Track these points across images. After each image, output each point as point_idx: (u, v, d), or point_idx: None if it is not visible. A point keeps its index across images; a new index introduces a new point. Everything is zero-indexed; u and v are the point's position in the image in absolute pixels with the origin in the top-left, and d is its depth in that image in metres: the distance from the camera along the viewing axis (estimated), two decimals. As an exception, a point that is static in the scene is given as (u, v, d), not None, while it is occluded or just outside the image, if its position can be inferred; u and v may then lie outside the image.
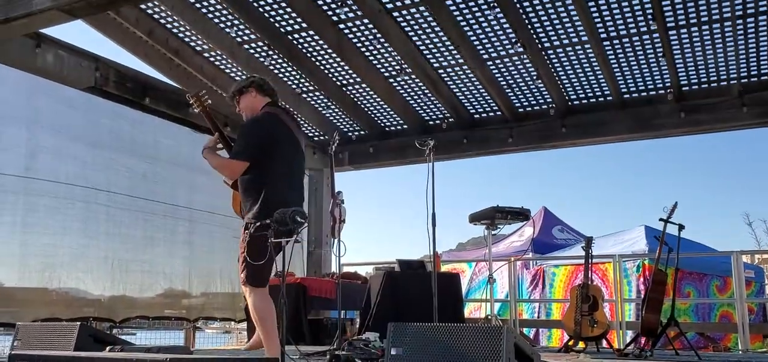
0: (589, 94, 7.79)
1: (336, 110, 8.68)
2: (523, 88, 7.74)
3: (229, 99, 4.37)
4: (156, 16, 6.88)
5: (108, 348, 3.18)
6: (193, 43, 7.34)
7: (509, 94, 7.92)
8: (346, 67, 7.64)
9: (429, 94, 8.03)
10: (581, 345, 6.24)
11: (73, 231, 6.48)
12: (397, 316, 5.11)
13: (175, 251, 7.61)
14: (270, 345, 3.89)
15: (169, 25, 7.03)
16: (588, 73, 7.32)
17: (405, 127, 8.81)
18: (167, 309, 7.50)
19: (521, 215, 6.05)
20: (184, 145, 7.72)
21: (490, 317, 5.99)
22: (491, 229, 5.92)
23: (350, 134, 9.17)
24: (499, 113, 8.29)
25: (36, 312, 5.98)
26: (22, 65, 5.81)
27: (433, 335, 3.14)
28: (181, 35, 7.18)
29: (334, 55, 7.39)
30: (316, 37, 7.10)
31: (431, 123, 8.68)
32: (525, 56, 7.02)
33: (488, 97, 8.02)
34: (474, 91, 7.94)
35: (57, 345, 3.51)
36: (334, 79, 7.94)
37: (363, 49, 7.26)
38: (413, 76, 7.66)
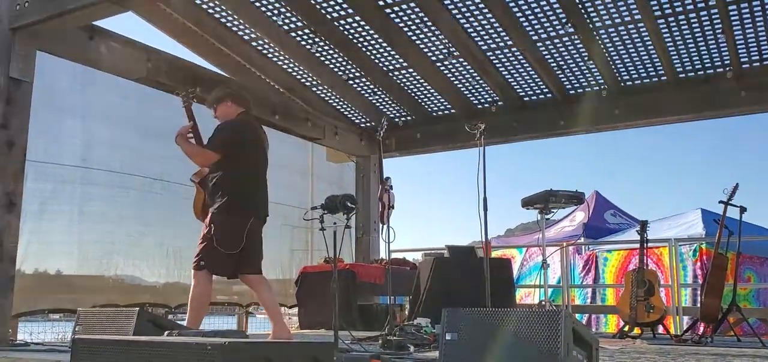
0: (643, 74, 7.55)
1: (383, 96, 8.65)
2: (573, 69, 7.56)
3: (208, 107, 4.73)
4: (204, 6, 6.95)
5: (166, 333, 3.22)
6: (241, 33, 7.40)
7: (560, 76, 7.75)
8: (393, 53, 7.59)
9: (477, 78, 7.92)
10: (637, 330, 6.10)
11: (128, 219, 6.63)
12: (447, 302, 5.03)
13: (225, 238, 7.70)
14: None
15: (217, 15, 7.09)
16: (641, 52, 7.09)
17: (453, 111, 8.72)
18: (219, 295, 7.62)
19: (575, 198, 5.92)
20: (234, 133, 7.79)
21: (543, 302, 5.89)
22: (544, 213, 5.80)
23: (397, 120, 9.12)
24: (549, 95, 8.13)
25: (94, 299, 6.14)
26: (76, 57, 5.93)
27: (488, 320, 3.08)
28: (229, 24, 7.25)
29: (381, 40, 7.35)
30: (362, 23, 7.07)
31: (480, 107, 8.57)
32: (576, 37, 6.85)
33: (538, 79, 7.86)
34: (523, 74, 7.80)
35: (117, 330, 3.60)
36: (381, 64, 7.90)
37: (410, 34, 7.20)
38: (461, 60, 7.56)
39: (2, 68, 5.24)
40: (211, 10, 7.02)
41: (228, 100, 4.62)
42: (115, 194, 6.51)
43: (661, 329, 6.15)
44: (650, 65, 7.32)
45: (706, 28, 6.54)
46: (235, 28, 7.32)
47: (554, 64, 7.49)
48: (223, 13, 7.07)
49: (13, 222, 5.21)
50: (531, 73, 7.72)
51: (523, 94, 8.25)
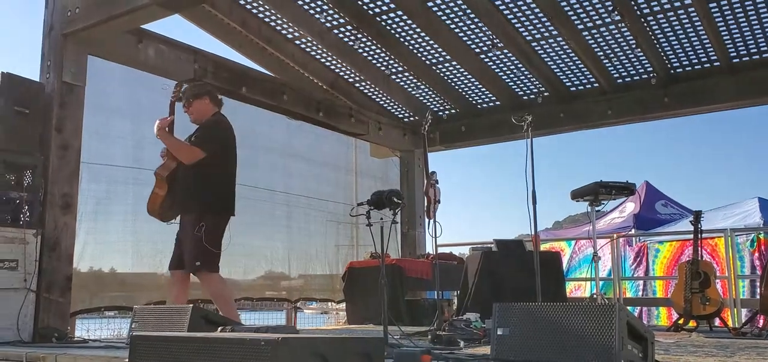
0: (694, 60, 7.34)
1: (426, 90, 8.62)
2: (621, 57, 7.40)
3: (183, 97, 4.69)
4: (248, 6, 7.02)
5: (219, 329, 3.28)
6: (284, 31, 7.46)
7: (607, 65, 7.59)
8: (436, 45, 7.54)
9: (522, 69, 7.82)
10: (692, 323, 5.93)
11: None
12: (495, 297, 5.01)
13: (273, 235, 7.82)
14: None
15: (260, 14, 7.16)
16: (692, 38, 6.89)
17: (498, 103, 8.63)
18: (268, 291, 7.72)
19: (626, 189, 5.78)
20: (279, 132, 7.90)
21: (595, 296, 5.79)
22: (594, 205, 5.69)
23: (441, 113, 9.08)
24: (596, 85, 7.97)
25: (148, 296, 6.29)
26: (126, 61, 6.07)
27: (540, 314, 3.04)
28: (272, 23, 7.31)
29: (423, 33, 7.32)
30: (404, 17, 7.05)
31: (525, 98, 8.46)
32: (623, 24, 6.69)
33: (585, 69, 7.72)
34: (570, 63, 7.66)
35: (171, 326, 3.67)
36: (424, 58, 7.86)
37: (453, 27, 7.15)
38: (505, 51, 7.47)
39: (55, 73, 5.40)
40: (255, 10, 7.09)
41: (206, 97, 4.63)
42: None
43: (718, 322, 5.97)
44: (701, 50, 7.11)
45: (761, 11, 6.31)
46: (278, 27, 7.38)
47: (601, 53, 7.34)
48: (267, 13, 7.14)
49: (69, 222, 5.37)
50: (577, 62, 7.59)
51: (570, 84, 8.11)
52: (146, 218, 6.42)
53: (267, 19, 7.25)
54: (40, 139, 5.31)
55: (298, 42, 7.65)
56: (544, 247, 9.15)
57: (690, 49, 7.10)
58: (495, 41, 7.25)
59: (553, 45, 7.30)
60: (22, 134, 5.21)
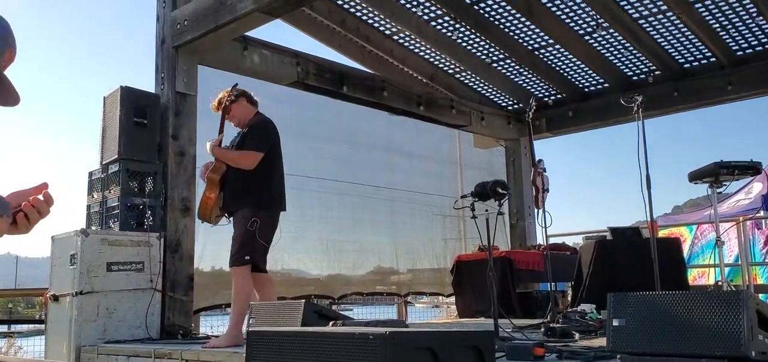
0: (826, 23, 6.73)
1: (529, 76, 8.41)
2: (740, 27, 6.89)
3: (215, 108, 4.66)
4: (346, 6, 7.13)
5: (331, 323, 3.35)
6: (382, 28, 7.52)
7: (724, 37, 7.10)
8: (537, 30, 7.34)
9: (630, 48, 7.46)
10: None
11: (290, 216, 6.95)
12: (611, 287, 4.80)
13: (380, 230, 7.90)
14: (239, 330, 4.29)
15: (358, 13, 7.25)
16: (824, -1, 6.32)
17: (606, 85, 8.29)
18: (378, 286, 7.82)
19: (750, 169, 5.37)
20: (381, 128, 7.97)
21: (720, 283, 5.43)
22: (715, 187, 5.33)
23: (546, 99, 8.83)
24: (713, 59, 7.48)
25: (265, 293, 6.53)
26: (233, 68, 6.30)
27: (658, 303, 2.88)
28: (370, 21, 7.39)
29: (523, 19, 7.15)
30: (503, 3, 6.91)
31: (635, 78, 8.07)
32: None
33: (698, 43, 7.26)
34: (681, 38, 7.23)
35: (286, 322, 3.78)
36: (525, 43, 7.68)
37: (554, 9, 6.93)
38: (611, 30, 7.16)
39: (169, 84, 5.71)
40: (353, 10, 7.19)
41: (242, 98, 4.64)
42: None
43: None
44: (835, 12, 6.51)
45: None
46: (376, 24, 7.45)
47: (717, 25, 6.87)
48: (365, 11, 7.22)
49: (189, 225, 5.67)
50: (690, 37, 7.15)
51: (683, 60, 7.66)
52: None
53: (365, 18, 7.33)
54: (159, 147, 5.64)
55: (396, 38, 7.69)
56: (662, 233, 8.71)
57: (821, 11, 6.52)
58: (599, 21, 6.96)
59: (662, 20, 6.91)
60: (141, 143, 5.55)
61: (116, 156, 5.50)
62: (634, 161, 4.40)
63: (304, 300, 3.91)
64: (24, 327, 9.45)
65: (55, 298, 5.18)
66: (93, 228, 5.55)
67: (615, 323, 2.93)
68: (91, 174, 5.90)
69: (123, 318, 5.08)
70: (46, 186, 1.53)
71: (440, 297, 9.35)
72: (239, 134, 4.68)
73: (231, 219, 4.58)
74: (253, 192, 4.42)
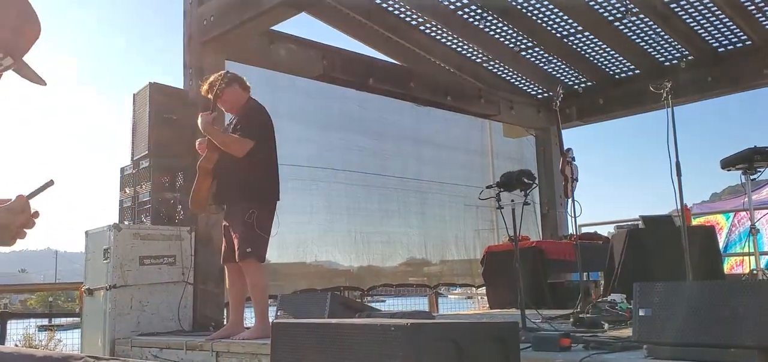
0: None
1: (558, 63, 8.30)
2: (777, 8, 6.70)
3: (205, 93, 4.50)
4: (372, -3, 7.11)
5: (356, 315, 3.37)
6: (408, 18, 7.47)
7: (760, 19, 6.90)
8: (565, 17, 7.23)
9: (661, 32, 7.30)
10: None
11: (319, 209, 7.02)
12: (644, 276, 4.74)
13: (409, 222, 7.90)
14: (266, 322, 4.17)
15: (384, 4, 7.22)
16: None
17: (637, 72, 8.14)
18: (410, 277, 7.84)
19: (787, 154, 5.23)
20: (408, 119, 7.96)
21: (755, 271, 5.30)
22: (749, 174, 5.20)
23: (576, 87, 8.71)
24: (748, 42, 7.28)
25: (296, 284, 6.62)
26: (260, 62, 6.34)
27: (687, 292, 2.83)
28: (396, 12, 7.35)
29: (550, 6, 7.04)
30: (530, -9, 6.82)
31: (667, 64, 7.90)
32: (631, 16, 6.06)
33: (733, 26, 7.06)
34: (715, 21, 7.04)
35: (312, 313, 3.82)
36: (553, 30, 7.56)
37: (582, -5, 6.82)
38: (640, 15, 7.00)
39: (197, 79, 5.76)
40: (378, 1, 7.17)
41: (235, 84, 4.48)
42: (305, 186, 6.92)
43: None
44: None
45: None
46: (402, 15, 7.41)
47: (752, 6, 6.68)
48: (391, 2, 7.18)
49: (219, 218, 5.72)
50: (723, 19, 6.96)
51: (717, 44, 7.47)
52: (289, 211, 6.74)
53: (391, 9, 7.30)
54: (188, 142, 5.71)
55: (422, 28, 7.64)
56: (697, 221, 8.55)
57: None
58: (629, 6, 6.82)
59: (694, 3, 6.74)
60: (171, 139, 5.64)
61: (146, 152, 5.59)
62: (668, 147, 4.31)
63: (329, 293, 3.94)
64: (64, 320, 9.69)
65: (90, 292, 5.31)
66: (125, 223, 5.67)
67: (641, 313, 2.88)
68: (122, 170, 6.02)
69: (156, 311, 5.18)
70: (28, 205, 1.48)
71: (473, 289, 9.32)
72: (232, 120, 4.59)
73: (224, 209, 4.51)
74: (248, 184, 4.32)
